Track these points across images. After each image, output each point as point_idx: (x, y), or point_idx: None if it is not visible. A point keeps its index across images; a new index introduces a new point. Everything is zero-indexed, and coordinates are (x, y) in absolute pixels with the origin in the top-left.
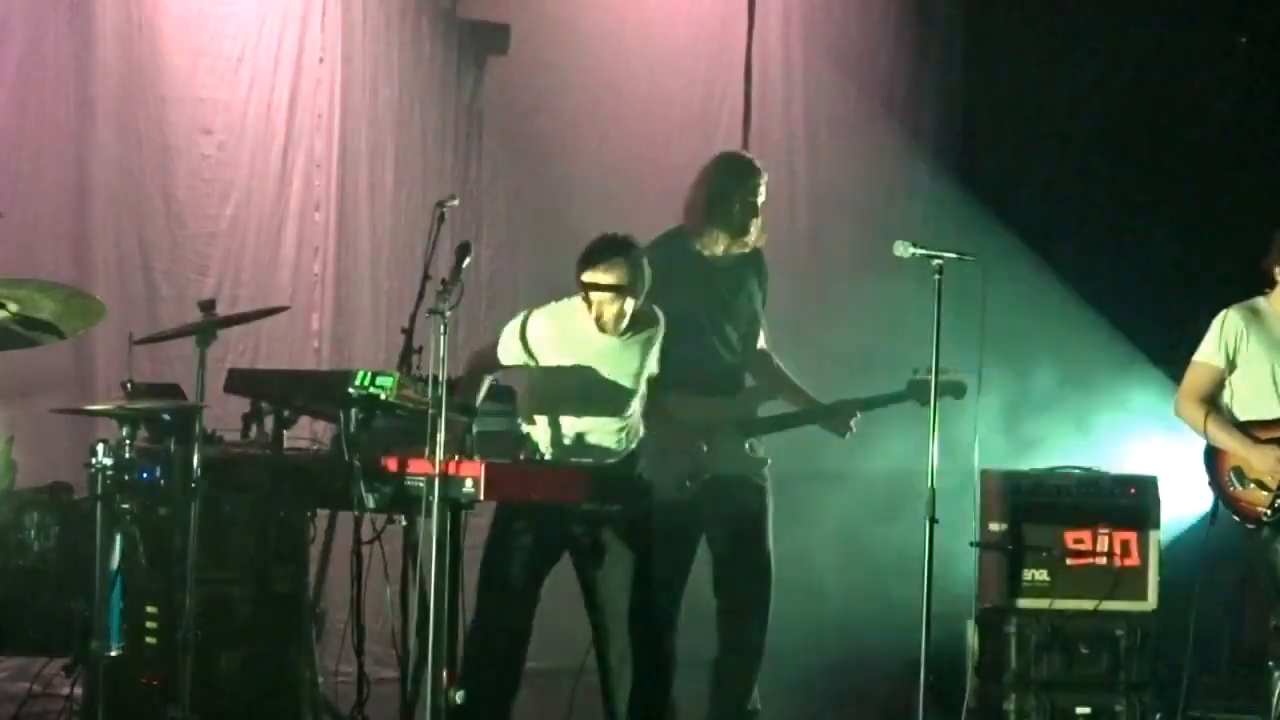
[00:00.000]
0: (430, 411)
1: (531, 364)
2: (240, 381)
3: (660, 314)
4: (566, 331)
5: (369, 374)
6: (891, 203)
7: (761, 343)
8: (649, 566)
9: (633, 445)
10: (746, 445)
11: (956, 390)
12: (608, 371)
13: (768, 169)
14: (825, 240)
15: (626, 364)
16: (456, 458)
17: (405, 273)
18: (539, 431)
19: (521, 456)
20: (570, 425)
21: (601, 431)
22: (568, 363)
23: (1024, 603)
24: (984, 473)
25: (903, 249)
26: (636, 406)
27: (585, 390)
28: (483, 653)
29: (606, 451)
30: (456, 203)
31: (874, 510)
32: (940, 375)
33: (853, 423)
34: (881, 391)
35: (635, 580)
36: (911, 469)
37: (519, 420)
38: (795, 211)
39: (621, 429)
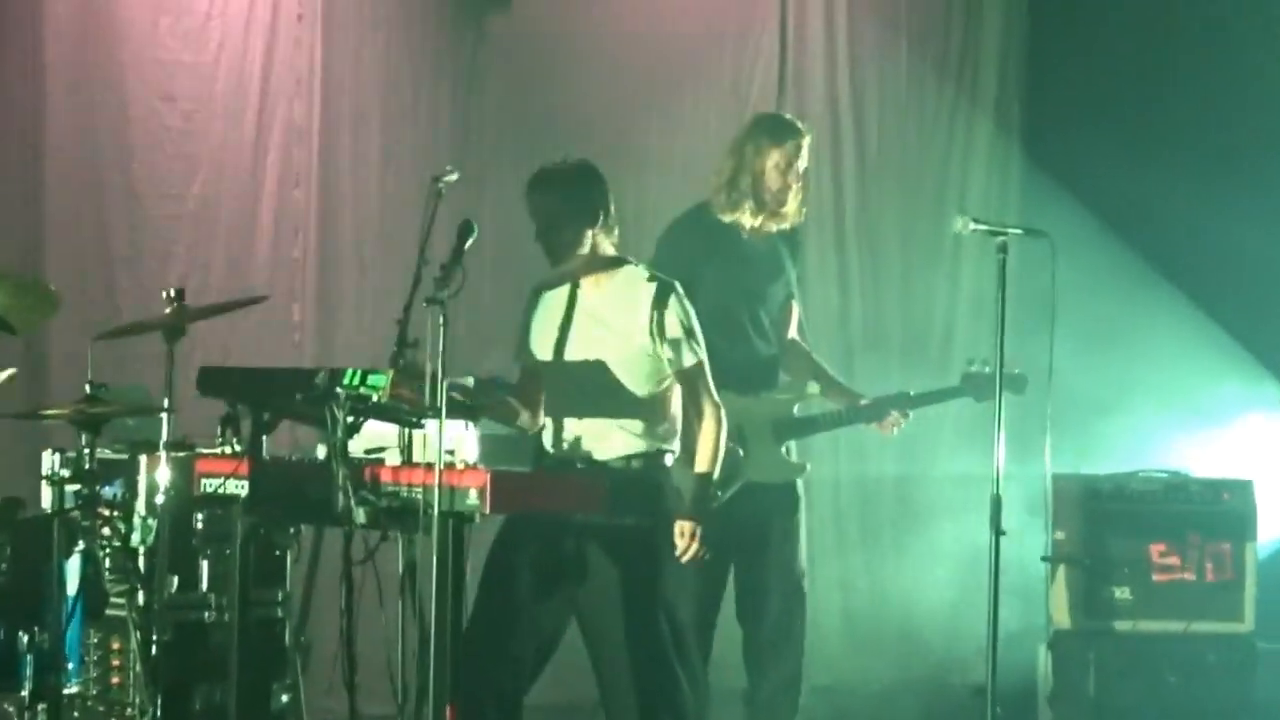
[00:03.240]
0: (428, 414)
1: (540, 351)
2: (214, 382)
3: (675, 283)
4: (560, 295)
5: (358, 372)
6: (947, 174)
7: (794, 331)
8: (657, 588)
9: (663, 445)
10: (782, 449)
11: (1017, 385)
12: (602, 340)
13: (810, 133)
14: (873, 216)
15: (615, 327)
16: (459, 464)
17: (398, 257)
18: (546, 426)
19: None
20: (568, 412)
21: (603, 424)
22: (561, 330)
23: (1103, 624)
24: (1056, 477)
25: (961, 224)
26: (647, 388)
27: (577, 370)
28: (473, 682)
29: (608, 446)
30: (455, 177)
31: (930, 521)
32: (1001, 367)
33: (902, 421)
34: (934, 386)
35: (635, 603)
36: (971, 474)
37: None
38: (840, 184)
39: (632, 418)
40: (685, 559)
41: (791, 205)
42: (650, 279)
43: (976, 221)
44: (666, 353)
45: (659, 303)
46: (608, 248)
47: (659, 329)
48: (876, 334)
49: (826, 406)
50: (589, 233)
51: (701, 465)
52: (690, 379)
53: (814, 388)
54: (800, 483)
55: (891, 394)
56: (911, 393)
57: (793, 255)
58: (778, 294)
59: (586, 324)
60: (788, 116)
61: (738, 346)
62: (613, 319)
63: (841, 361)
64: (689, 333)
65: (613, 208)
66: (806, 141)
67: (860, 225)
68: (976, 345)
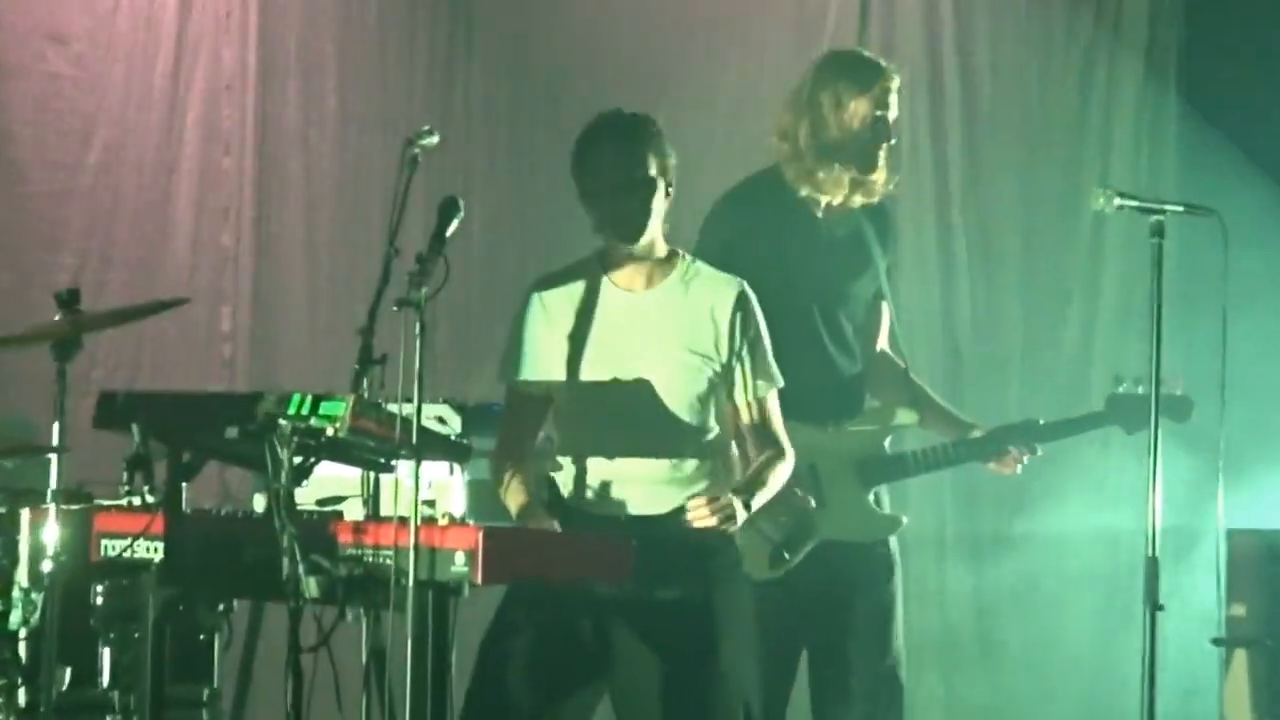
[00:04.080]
0: (401, 453)
1: (553, 370)
2: (118, 410)
3: (742, 283)
4: (574, 295)
5: (309, 398)
6: (1084, 133)
7: (884, 341)
8: (711, 683)
9: (717, 494)
10: (870, 496)
11: (1179, 410)
12: (647, 355)
13: (901, 75)
14: (985, 188)
15: (672, 339)
16: (442, 519)
17: (360, 246)
18: (563, 471)
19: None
20: (599, 449)
21: (646, 464)
22: (582, 343)
23: None
24: (1231, 533)
25: (1103, 200)
26: (709, 421)
27: (616, 391)
28: None
29: (657, 497)
30: (435, 140)
31: (1064, 591)
32: (1157, 388)
33: (1026, 458)
34: (1070, 412)
35: (682, 703)
36: (1118, 529)
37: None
38: (942, 146)
39: (685, 457)
40: (695, 519)
41: (882, 172)
42: (722, 280)
43: (1123, 196)
44: (742, 375)
45: (740, 308)
46: (659, 233)
47: (738, 343)
48: (991, 343)
49: (928, 440)
50: (663, 209)
51: (762, 487)
52: (763, 410)
53: (910, 416)
54: (894, 541)
55: (1014, 423)
56: (1041, 421)
57: (882, 240)
58: (863, 292)
59: (629, 334)
60: (868, 54)
61: (811, 362)
62: (668, 327)
63: (945, 380)
64: (768, 349)
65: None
66: (896, 85)
67: (969, 200)
68: (1123, 358)
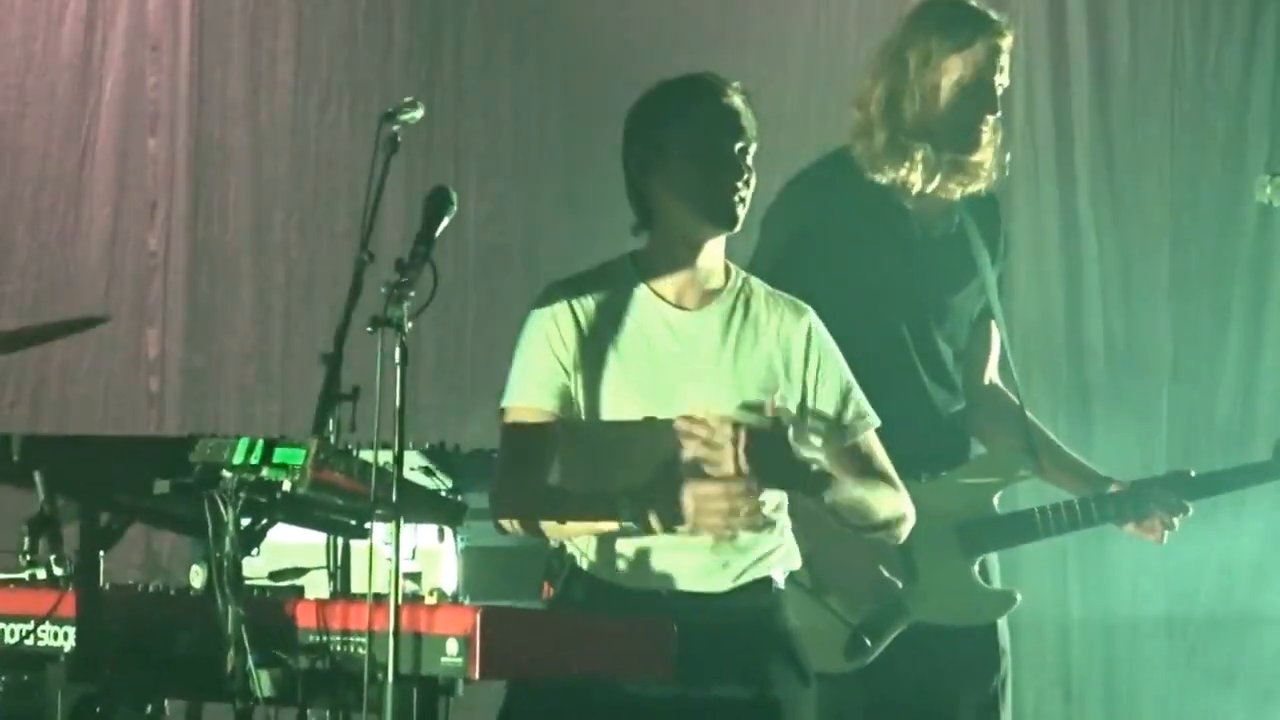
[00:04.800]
0: (377, 513)
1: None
2: (16, 459)
3: (808, 308)
4: (603, 305)
5: (259, 443)
6: (1247, 107)
7: (993, 370)
8: None
9: (784, 566)
10: (975, 567)
11: None
12: (702, 390)
13: (1015, 30)
14: (1122, 174)
15: (736, 371)
16: (429, 597)
17: (324, 249)
18: (581, 537)
19: (549, 590)
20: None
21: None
22: (614, 368)
23: None
24: None
25: (1272, 190)
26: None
27: (662, 433)
28: None
29: (711, 569)
30: (419, 115)
31: (1216, 688)
32: None
33: (1177, 520)
34: (1228, 462)
35: None
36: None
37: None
38: (1066, 119)
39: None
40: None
41: (986, 153)
42: (787, 301)
43: None
44: (826, 419)
45: (815, 336)
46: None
47: (813, 380)
48: (1129, 373)
49: (1048, 497)
50: None
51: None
52: (874, 451)
53: (1027, 465)
54: (1004, 626)
55: (1159, 475)
56: (1193, 473)
57: (990, 242)
58: (966, 308)
59: (682, 360)
60: (974, 2)
61: (900, 397)
62: (728, 356)
63: (1071, 420)
64: (855, 383)
65: None
66: (1008, 44)
67: (1100, 190)
68: None
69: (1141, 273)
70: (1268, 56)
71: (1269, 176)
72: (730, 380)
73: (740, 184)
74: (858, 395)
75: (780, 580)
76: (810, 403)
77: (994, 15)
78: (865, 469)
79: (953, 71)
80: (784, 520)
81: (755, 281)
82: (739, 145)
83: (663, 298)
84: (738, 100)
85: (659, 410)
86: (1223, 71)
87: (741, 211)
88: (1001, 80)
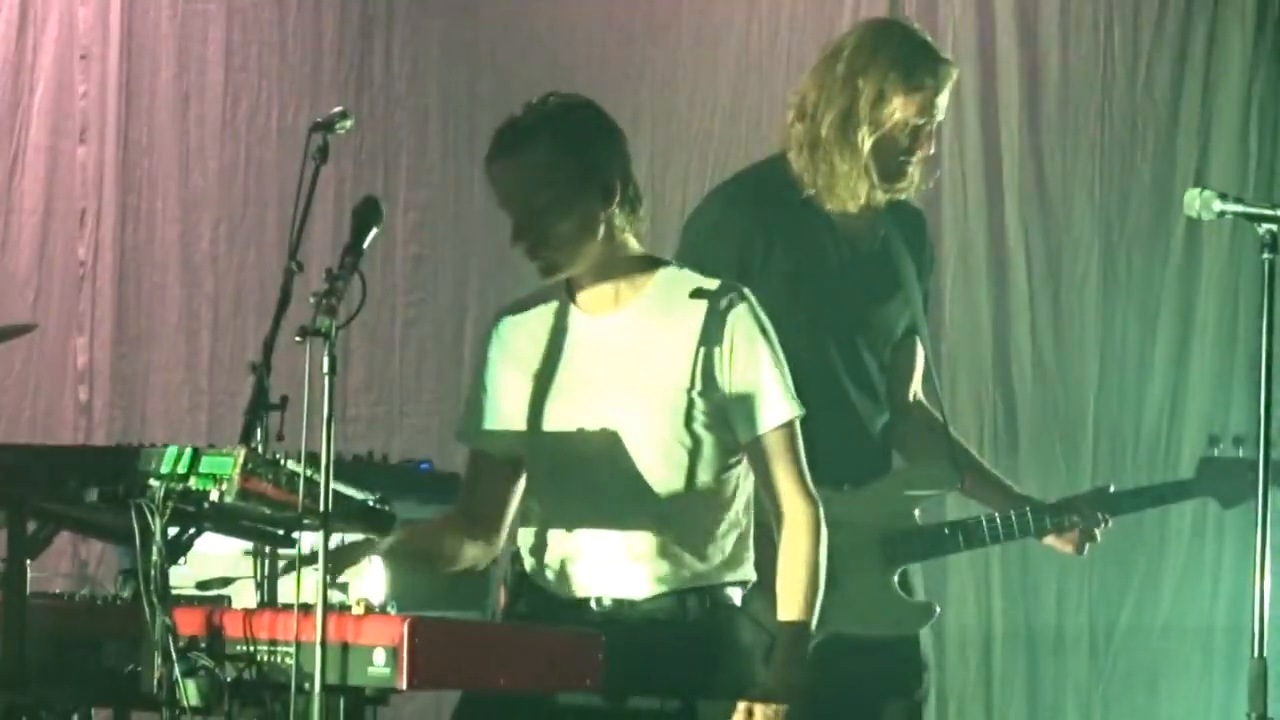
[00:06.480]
0: (304, 522)
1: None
2: None
3: (740, 288)
4: (537, 325)
5: (187, 452)
6: (1175, 119)
7: (917, 384)
8: None
9: (729, 574)
10: (895, 578)
11: None
12: (612, 394)
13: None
14: (1049, 186)
15: (648, 370)
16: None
17: (252, 258)
18: (525, 541)
19: (501, 596)
20: (562, 518)
21: (619, 536)
22: (545, 386)
23: None
24: None
25: (1200, 204)
26: (702, 475)
27: (580, 443)
28: None
29: (633, 576)
30: (349, 125)
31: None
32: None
33: (1098, 531)
34: (1149, 479)
35: None
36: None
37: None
38: (993, 131)
39: (674, 526)
40: None
41: (914, 170)
42: (713, 288)
43: (1224, 199)
44: (739, 409)
45: (723, 322)
46: (630, 241)
47: (728, 368)
48: (1055, 390)
49: (971, 509)
50: (600, 217)
51: (790, 608)
52: (774, 450)
53: (948, 480)
54: (927, 639)
55: (1080, 492)
56: (1112, 488)
57: (916, 256)
58: (891, 322)
59: (596, 368)
60: (928, 37)
61: (824, 407)
62: (645, 358)
63: (998, 432)
64: (777, 371)
65: (633, 173)
66: (953, 83)
67: (1029, 204)
68: (1223, 409)
69: (1069, 288)
70: (1197, 71)
71: (1198, 191)
72: (651, 377)
73: (524, 241)
74: (775, 383)
75: (734, 591)
76: (729, 387)
77: (945, 55)
78: (771, 474)
79: (904, 110)
80: (741, 543)
81: (686, 271)
82: (511, 210)
83: (582, 309)
84: (504, 153)
85: (583, 420)
86: (1153, 86)
87: (552, 259)
88: (940, 114)
